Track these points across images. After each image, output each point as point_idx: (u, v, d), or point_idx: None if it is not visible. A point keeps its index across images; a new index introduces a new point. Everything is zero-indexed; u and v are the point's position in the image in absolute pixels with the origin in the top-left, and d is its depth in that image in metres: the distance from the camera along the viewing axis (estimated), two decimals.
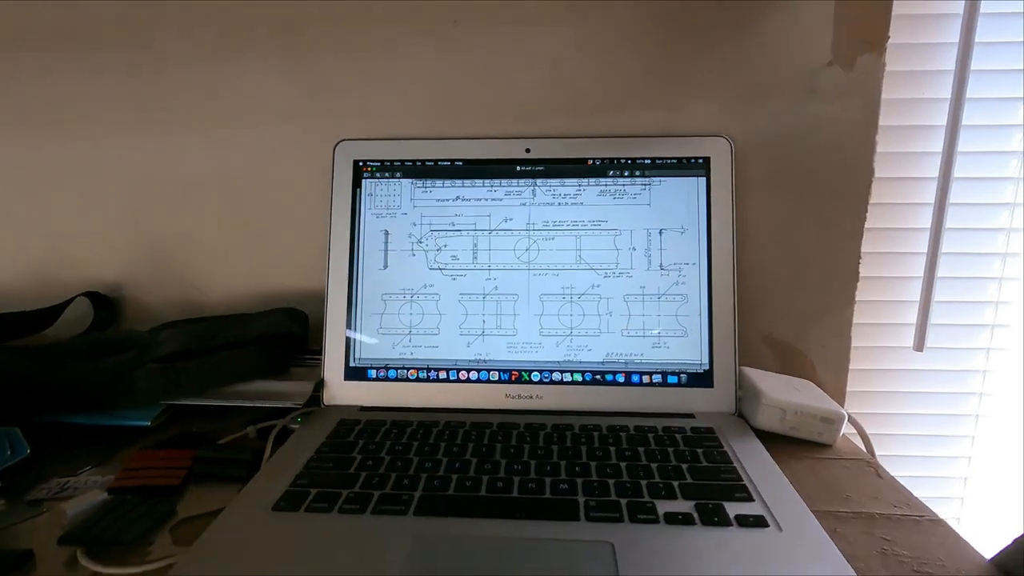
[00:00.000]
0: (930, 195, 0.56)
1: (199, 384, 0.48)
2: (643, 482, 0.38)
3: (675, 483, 0.37)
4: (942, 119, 0.54)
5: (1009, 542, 0.31)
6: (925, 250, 0.57)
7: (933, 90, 0.55)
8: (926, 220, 0.57)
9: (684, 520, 0.34)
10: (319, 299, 0.56)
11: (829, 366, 0.58)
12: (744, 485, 0.37)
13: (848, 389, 0.59)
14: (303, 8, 0.54)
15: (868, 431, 0.48)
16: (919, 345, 0.59)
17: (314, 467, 0.40)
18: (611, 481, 0.38)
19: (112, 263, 0.61)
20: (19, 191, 0.60)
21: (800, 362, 0.58)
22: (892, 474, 0.41)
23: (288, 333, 0.53)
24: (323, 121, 0.56)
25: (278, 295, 0.61)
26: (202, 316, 0.58)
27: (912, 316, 0.60)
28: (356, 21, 0.54)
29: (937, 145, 0.55)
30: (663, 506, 0.35)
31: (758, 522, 0.33)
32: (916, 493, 0.38)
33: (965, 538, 0.34)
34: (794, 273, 0.56)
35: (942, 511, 0.63)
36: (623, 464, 0.40)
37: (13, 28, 0.56)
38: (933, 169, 0.55)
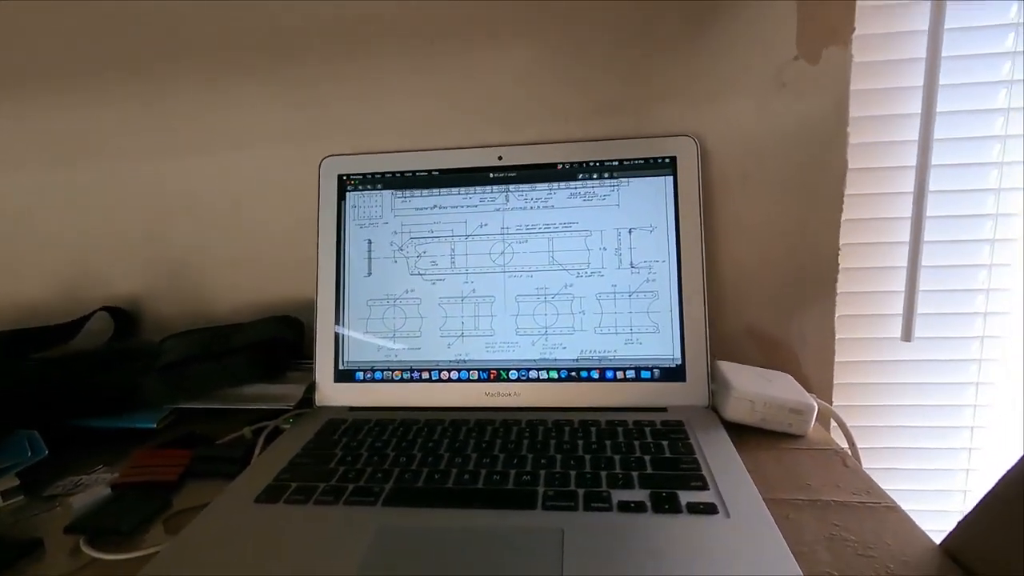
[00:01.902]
0: (910, 183, 0.55)
1: (200, 389, 0.51)
2: (603, 473, 0.39)
3: (634, 474, 0.39)
4: (917, 107, 0.54)
5: (953, 526, 0.31)
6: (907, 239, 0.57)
7: (906, 79, 0.55)
8: (908, 209, 0.56)
9: (636, 508, 0.35)
10: (311, 307, 0.59)
11: (813, 359, 0.58)
12: (701, 475, 0.38)
13: (836, 381, 0.59)
14: (293, 38, 0.58)
15: (859, 423, 0.48)
16: (907, 335, 0.58)
17: (297, 463, 0.43)
18: (572, 472, 0.39)
19: (131, 278, 0.66)
20: (46, 213, 0.66)
21: (784, 355, 0.58)
22: (882, 466, 0.41)
23: (283, 339, 0.56)
24: (313, 140, 0.59)
25: (278, 304, 0.64)
26: (208, 326, 0.62)
27: (900, 307, 0.59)
28: (340, 47, 0.58)
29: (914, 133, 0.55)
30: (618, 495, 0.36)
31: (708, 509, 0.34)
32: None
33: (920, 525, 0.34)
34: (773, 266, 0.57)
35: (946, 504, 0.63)
36: (587, 456, 0.41)
37: (36, 65, 0.62)
38: (911, 158, 0.55)
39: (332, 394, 0.53)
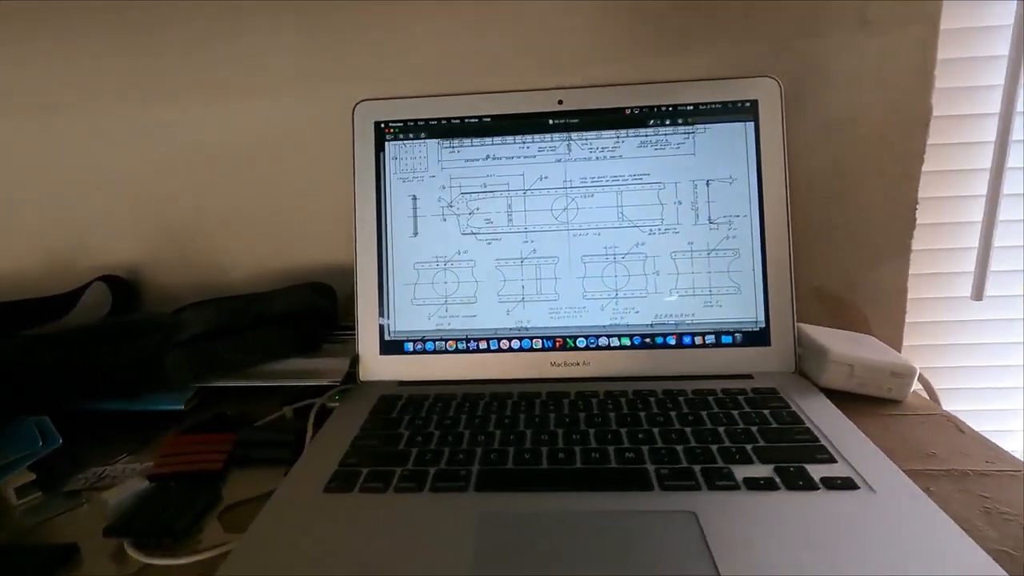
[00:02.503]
0: (990, 134, 0.52)
1: (231, 365, 0.46)
2: (713, 447, 0.35)
3: (747, 447, 0.35)
4: (1004, 50, 0.50)
5: None
6: (982, 193, 0.54)
7: (995, 18, 0.51)
8: (984, 161, 0.53)
9: (766, 485, 0.31)
10: (345, 272, 0.53)
11: (884, 319, 0.55)
12: (822, 446, 0.35)
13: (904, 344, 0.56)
14: None
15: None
16: (978, 294, 0.56)
17: (361, 445, 0.38)
18: (679, 447, 0.35)
19: (128, 245, 0.59)
20: (28, 174, 0.58)
21: (853, 316, 0.55)
22: None
23: (317, 308, 0.51)
24: (338, 83, 0.53)
25: (301, 270, 0.58)
26: (224, 295, 0.55)
27: (969, 264, 0.57)
28: None
29: (999, 78, 0.51)
30: (741, 471, 0.33)
31: (847, 484, 0.31)
32: None
33: None
34: (846, 222, 0.53)
35: None
36: (688, 429, 0.37)
37: (10, 10, 0.53)
38: (994, 106, 0.51)
39: (378, 368, 0.48)
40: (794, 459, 0.34)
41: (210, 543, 0.31)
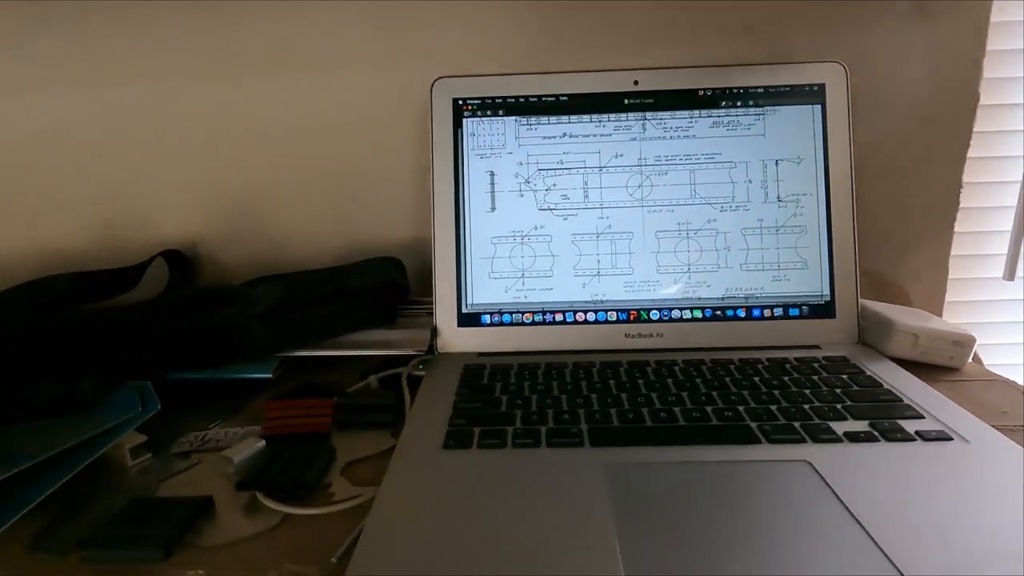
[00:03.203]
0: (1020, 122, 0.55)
1: (312, 335, 0.46)
2: (805, 406, 0.37)
3: (838, 406, 0.37)
4: None
5: None
6: (1017, 179, 0.57)
7: None
8: (1014, 148, 0.56)
9: (866, 438, 0.34)
10: (409, 248, 0.55)
11: (925, 297, 0.58)
12: (907, 404, 0.37)
13: None
14: None
15: None
16: (1010, 274, 0.59)
17: (463, 408, 0.39)
18: (772, 407, 0.37)
19: (186, 219, 0.59)
20: (85, 147, 0.57)
21: (894, 293, 0.58)
22: None
23: (392, 282, 0.51)
24: (409, 60, 0.53)
25: (364, 246, 0.59)
26: (294, 271, 0.56)
27: (1002, 246, 0.60)
28: None
29: None
30: (839, 426, 0.35)
31: (941, 436, 0.33)
32: None
33: None
34: (893, 202, 0.56)
35: None
36: (776, 392, 0.39)
37: None
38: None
39: (455, 340, 0.49)
40: (884, 416, 0.36)
41: (342, 494, 0.32)
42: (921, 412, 0.36)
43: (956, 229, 0.58)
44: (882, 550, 0.25)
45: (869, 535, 0.26)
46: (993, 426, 0.36)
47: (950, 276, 0.59)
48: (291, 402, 0.40)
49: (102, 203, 0.58)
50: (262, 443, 0.35)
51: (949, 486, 0.29)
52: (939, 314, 0.59)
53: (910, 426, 0.35)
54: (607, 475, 0.31)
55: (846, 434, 0.34)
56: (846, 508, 0.28)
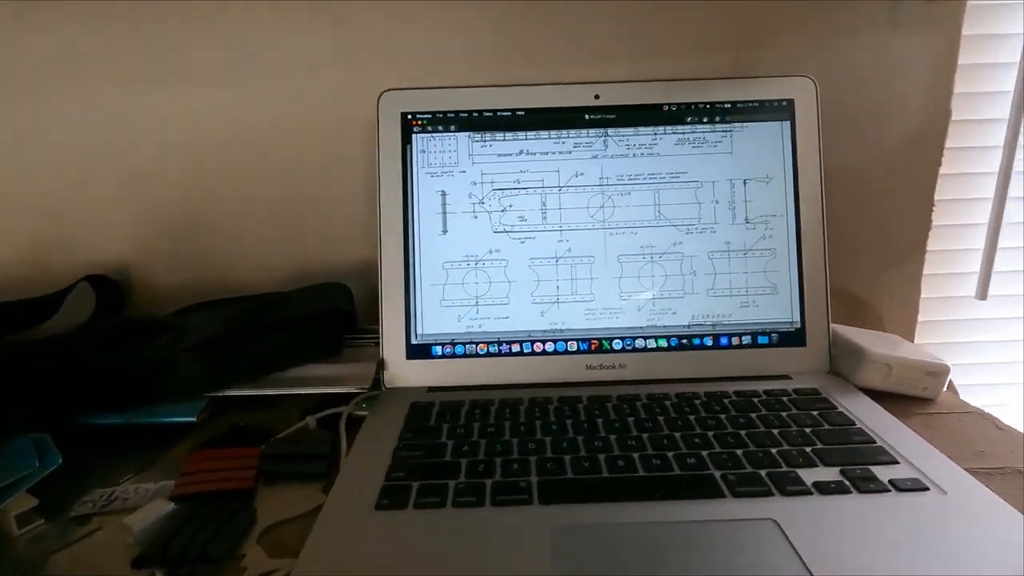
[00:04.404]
0: (992, 138, 0.54)
1: (250, 371, 0.42)
2: (773, 450, 0.35)
3: (807, 449, 0.35)
4: (1016, 56, 0.52)
5: None
6: (989, 196, 0.56)
7: (1007, 25, 0.52)
8: (991, 165, 0.55)
9: (838, 489, 0.31)
10: (360, 272, 0.51)
11: (899, 318, 0.56)
12: (880, 447, 0.35)
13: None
14: None
15: None
16: (982, 294, 0.58)
17: (404, 457, 0.35)
18: (739, 451, 0.35)
19: (117, 241, 0.54)
20: (7, 160, 0.52)
21: (868, 314, 0.56)
22: None
23: (337, 310, 0.48)
24: (360, 71, 0.50)
25: (311, 270, 0.55)
26: (230, 297, 0.52)
27: (971, 265, 0.58)
28: None
29: (1009, 85, 0.53)
30: (808, 475, 0.32)
31: (916, 485, 0.31)
32: None
33: None
34: (866, 222, 0.54)
35: None
36: (742, 432, 0.37)
37: None
38: (1003, 111, 0.53)
39: (404, 373, 0.45)
40: (856, 461, 0.33)
41: (255, 570, 0.28)
42: (895, 456, 0.34)
43: (929, 247, 0.56)
44: None
45: None
46: (970, 469, 0.34)
47: (923, 295, 0.58)
48: (211, 453, 0.36)
49: (22, 223, 0.54)
50: (170, 506, 0.31)
51: (921, 546, 0.27)
52: (912, 334, 0.57)
53: (884, 473, 0.32)
54: (553, 542, 0.28)
55: (815, 484, 0.31)
56: (810, 574, 0.25)
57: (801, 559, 0.26)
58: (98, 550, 0.30)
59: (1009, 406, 0.62)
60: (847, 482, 0.31)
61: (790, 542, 0.27)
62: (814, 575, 0.25)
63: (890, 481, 0.31)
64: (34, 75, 0.50)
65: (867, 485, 0.31)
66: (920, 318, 0.58)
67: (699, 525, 0.29)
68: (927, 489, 0.31)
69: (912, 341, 0.57)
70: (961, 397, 0.48)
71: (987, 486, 0.32)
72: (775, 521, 0.29)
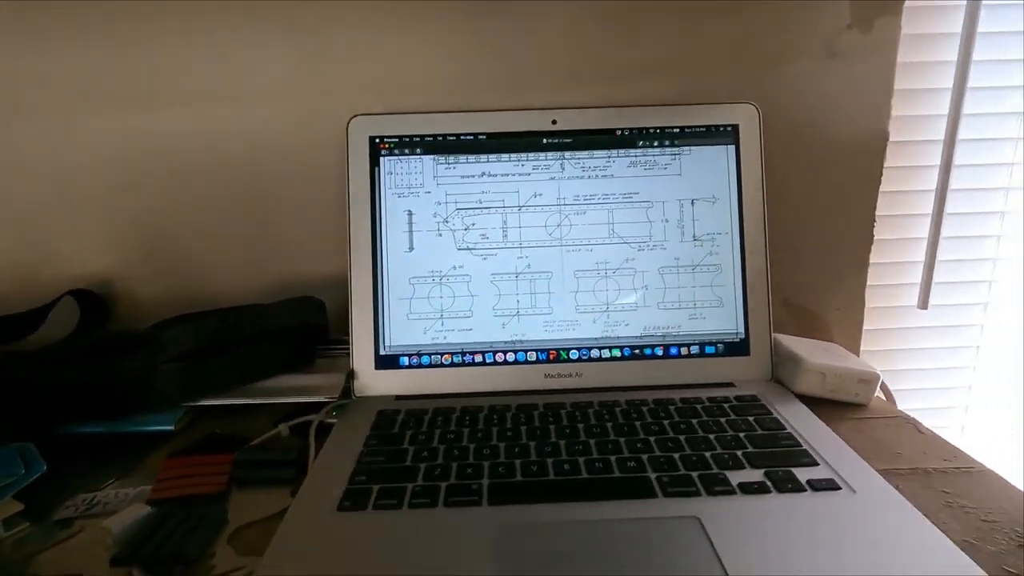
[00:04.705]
0: (930, 158, 0.57)
1: (224, 382, 0.45)
2: (707, 454, 0.38)
3: (738, 452, 0.38)
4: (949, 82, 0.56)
5: None
6: (927, 212, 0.60)
7: (943, 53, 0.56)
8: (925, 183, 0.58)
9: (759, 489, 0.34)
10: (334, 286, 0.54)
11: (845, 328, 0.60)
12: (805, 450, 0.38)
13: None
14: None
15: None
16: (924, 303, 0.61)
17: (367, 462, 0.38)
18: (676, 455, 0.38)
19: (98, 256, 0.56)
20: None
21: (817, 325, 0.60)
22: None
23: (310, 323, 0.50)
24: (331, 96, 0.52)
25: (287, 284, 0.57)
26: (208, 310, 0.54)
27: (913, 276, 0.62)
28: None
29: (942, 107, 0.56)
30: (735, 476, 0.35)
31: (830, 485, 0.34)
32: None
33: (1017, 486, 0.36)
34: (812, 238, 0.57)
35: None
36: (682, 437, 0.40)
37: None
38: (936, 132, 0.57)
39: (373, 383, 0.48)
40: (781, 463, 0.36)
41: (225, 567, 0.31)
42: (816, 459, 0.37)
43: (872, 260, 0.60)
44: None
45: None
46: (884, 470, 0.37)
47: (868, 305, 0.61)
48: (187, 459, 0.39)
49: (10, 237, 0.56)
50: (147, 510, 0.34)
51: (824, 540, 0.30)
52: (858, 343, 0.60)
53: (803, 474, 0.35)
54: (497, 539, 0.30)
55: (740, 485, 0.34)
56: (721, 565, 0.28)
57: (716, 552, 0.29)
58: (79, 551, 0.33)
59: (953, 409, 0.66)
60: (769, 483, 0.35)
61: (709, 538, 0.30)
62: (726, 566, 0.28)
63: (807, 481, 0.35)
64: (15, 93, 0.52)
65: (786, 485, 0.34)
66: (866, 327, 0.62)
67: (629, 523, 0.32)
68: (839, 489, 0.34)
69: (858, 349, 0.60)
70: (905, 402, 0.52)
71: (897, 485, 0.36)
72: (699, 519, 0.32)
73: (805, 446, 0.38)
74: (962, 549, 0.29)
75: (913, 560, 0.28)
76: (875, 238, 0.59)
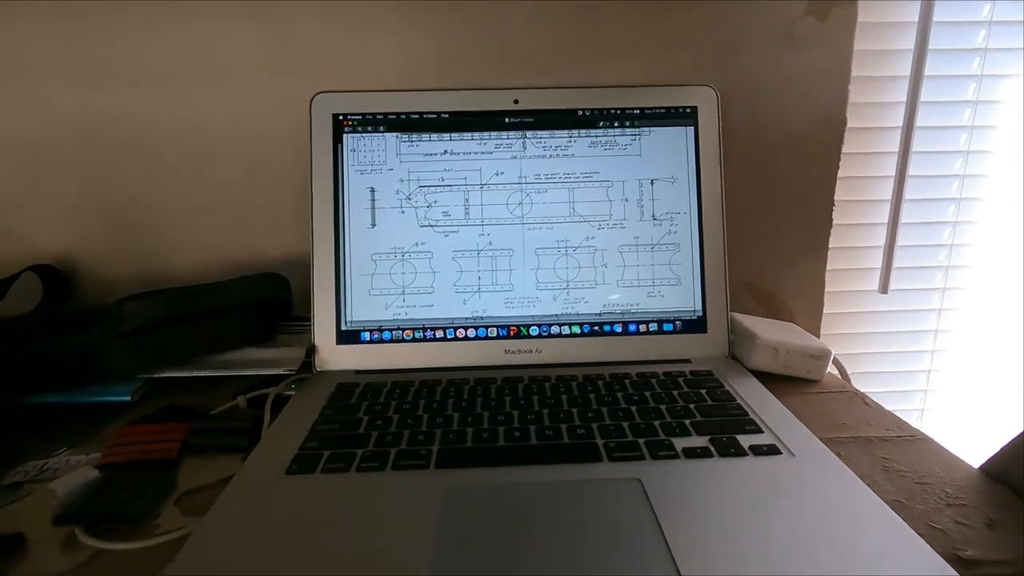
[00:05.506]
0: (887, 145, 0.59)
1: (182, 354, 0.45)
2: (656, 422, 0.38)
3: (686, 422, 0.39)
4: (907, 70, 0.57)
5: (997, 450, 0.34)
6: (886, 197, 0.61)
7: (900, 42, 0.57)
8: (887, 168, 0.60)
9: (702, 453, 0.35)
10: (297, 263, 0.54)
11: (805, 310, 0.61)
12: (751, 419, 0.39)
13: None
14: None
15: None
16: (884, 288, 0.63)
17: (321, 430, 0.38)
18: (625, 424, 0.38)
19: (62, 233, 0.56)
20: None
21: (778, 307, 0.61)
22: None
23: (273, 298, 0.50)
24: (294, 74, 0.53)
25: (251, 261, 0.57)
26: (172, 287, 0.54)
27: (873, 261, 0.63)
28: None
29: (900, 96, 0.58)
30: (680, 442, 0.36)
31: (771, 450, 0.35)
32: None
33: (954, 452, 0.37)
34: (772, 221, 0.58)
35: None
36: (633, 408, 0.40)
37: None
38: (895, 120, 0.58)
39: (334, 357, 0.48)
40: (726, 431, 0.37)
41: (168, 527, 0.31)
42: (761, 427, 0.38)
43: (832, 245, 0.61)
44: (674, 562, 0.26)
45: (668, 548, 0.27)
46: (828, 438, 0.38)
47: (829, 289, 0.62)
48: (140, 427, 0.39)
49: None
50: (95, 473, 0.34)
51: (759, 499, 0.30)
52: (818, 326, 0.61)
53: (746, 440, 0.36)
54: (442, 500, 0.31)
55: (684, 450, 0.35)
56: (657, 523, 0.29)
57: (653, 511, 0.30)
58: (26, 512, 0.33)
59: (912, 392, 0.67)
60: (712, 448, 0.35)
61: (648, 498, 0.31)
62: (662, 524, 0.29)
63: (750, 446, 0.35)
64: None
65: (728, 450, 0.35)
66: (827, 311, 0.63)
67: (573, 484, 0.32)
68: (780, 453, 0.35)
69: (818, 331, 0.62)
70: (865, 385, 0.53)
71: (839, 452, 0.37)
72: (640, 480, 0.32)
73: (752, 415, 0.39)
74: (892, 507, 0.30)
75: (843, 516, 0.29)
76: (834, 223, 0.60)
